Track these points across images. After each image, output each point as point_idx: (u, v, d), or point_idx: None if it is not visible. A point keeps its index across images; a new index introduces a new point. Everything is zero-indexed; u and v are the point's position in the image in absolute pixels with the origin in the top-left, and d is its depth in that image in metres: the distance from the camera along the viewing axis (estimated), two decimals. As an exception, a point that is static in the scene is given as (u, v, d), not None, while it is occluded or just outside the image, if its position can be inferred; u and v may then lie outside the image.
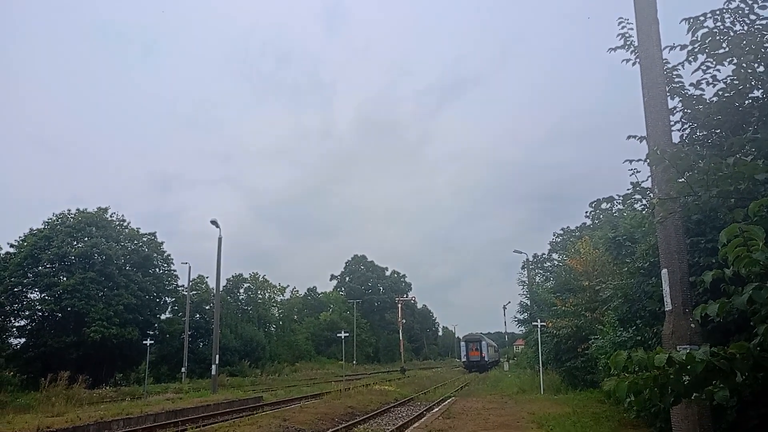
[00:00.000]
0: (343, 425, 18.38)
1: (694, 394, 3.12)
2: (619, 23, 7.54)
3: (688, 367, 2.93)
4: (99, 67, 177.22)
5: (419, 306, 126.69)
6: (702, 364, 2.89)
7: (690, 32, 6.20)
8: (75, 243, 44.95)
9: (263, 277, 73.69)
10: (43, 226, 45.42)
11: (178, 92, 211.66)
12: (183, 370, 41.65)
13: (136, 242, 49.68)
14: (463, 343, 66.72)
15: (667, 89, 6.86)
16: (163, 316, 52.81)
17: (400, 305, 76.79)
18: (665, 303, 6.52)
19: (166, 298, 52.88)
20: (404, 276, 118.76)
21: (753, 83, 5.89)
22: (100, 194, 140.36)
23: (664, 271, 6.51)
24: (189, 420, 19.94)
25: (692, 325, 6.17)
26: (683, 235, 6.54)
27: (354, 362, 67.83)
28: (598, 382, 17.38)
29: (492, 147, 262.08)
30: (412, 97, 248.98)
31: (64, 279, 42.84)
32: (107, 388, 36.31)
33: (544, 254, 49.91)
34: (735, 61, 5.96)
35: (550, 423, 14.33)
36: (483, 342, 63.95)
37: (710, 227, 7.12)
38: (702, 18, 6.18)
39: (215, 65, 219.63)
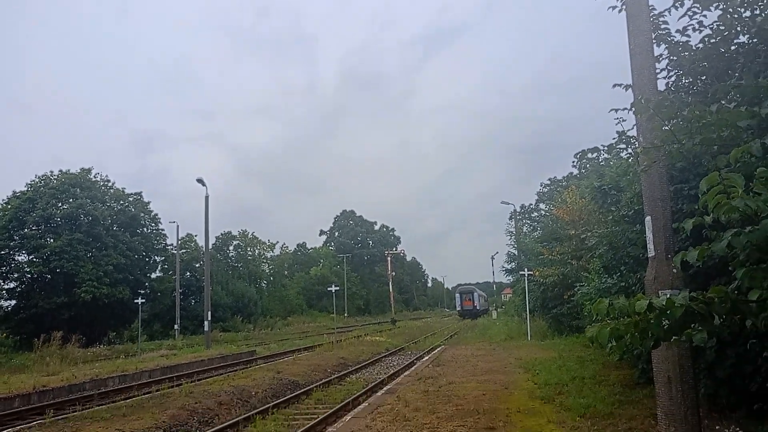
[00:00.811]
0: (335, 375, 18.84)
1: (674, 338, 3.22)
2: (606, -32, 7.36)
3: (668, 312, 3.02)
4: (73, 22, 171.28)
5: (408, 259, 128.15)
6: (681, 309, 2.97)
7: (677, -24, 6.10)
8: (60, 204, 44.53)
9: (252, 234, 73.92)
10: (26, 188, 44.84)
11: (156, 48, 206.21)
12: (176, 327, 42.12)
13: (122, 202, 49.31)
14: (457, 295, 73.49)
15: (654, 36, 6.78)
16: (153, 275, 53.01)
17: (389, 258, 77.71)
18: (648, 249, 6.63)
19: (156, 258, 52.97)
20: (393, 230, 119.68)
21: (739, 29, 5.83)
22: (82, 154, 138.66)
23: (648, 218, 6.60)
24: (184, 375, 20.31)
25: (674, 271, 6.30)
26: (667, 182, 6.61)
27: (345, 315, 68.98)
28: (583, 327, 17.84)
29: (478, 98, 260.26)
30: (396, 49, 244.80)
31: (51, 241, 42.61)
32: (101, 346, 36.74)
33: (531, 205, 50.33)
34: (721, 6, 5.88)
35: (536, 367, 14.78)
36: (475, 293, 70.38)
37: (694, 174, 7.19)
38: (689, -39, 6.07)
39: (193, 19, 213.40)
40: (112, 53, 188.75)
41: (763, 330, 5.35)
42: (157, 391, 15.58)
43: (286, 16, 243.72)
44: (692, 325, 3.21)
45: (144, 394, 15.65)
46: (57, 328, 32.90)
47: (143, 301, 41.37)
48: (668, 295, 3.15)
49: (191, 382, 17.23)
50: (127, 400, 14.40)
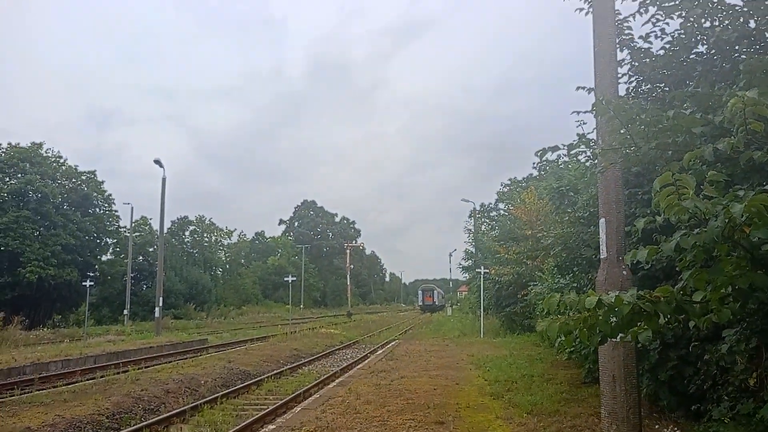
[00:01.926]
0: (288, 366, 18.68)
1: (620, 335, 3.27)
2: (574, -30, 7.45)
3: (616, 309, 3.06)
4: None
5: (368, 252, 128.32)
6: (628, 306, 3.01)
7: (642, -17, 6.21)
8: (7, 179, 42.71)
9: (210, 220, 72.70)
10: (-31, 161, 42.84)
11: (115, 20, 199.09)
12: (125, 312, 40.96)
13: (74, 180, 47.64)
14: (420, 291, 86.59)
15: (617, 41, 6.89)
16: (104, 258, 51.46)
17: (348, 251, 77.56)
18: (601, 251, 6.76)
19: (108, 239, 51.44)
20: (354, 222, 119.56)
21: (698, 38, 5.99)
22: (33, 128, 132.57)
23: (602, 220, 6.72)
24: (131, 362, 19.73)
25: (624, 273, 6.44)
26: (622, 186, 6.74)
27: (301, 306, 68.51)
28: (535, 326, 18.21)
29: (444, 94, 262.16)
30: (365, 38, 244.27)
31: (-4, 217, 40.86)
32: (45, 330, 35.35)
33: (491, 204, 50.95)
34: (683, 14, 6.02)
35: (487, 364, 14.98)
36: (435, 291, 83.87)
37: (648, 179, 7.35)
38: (655, -31, 6.19)
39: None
40: (67, 22, 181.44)
41: (705, 331, 5.52)
42: (101, 377, 15.11)
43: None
44: (638, 324, 3.26)
45: (88, 379, 15.15)
46: (-2, 308, 31.60)
47: (92, 284, 39.96)
48: (617, 294, 3.20)
49: (138, 369, 16.76)
50: (70, 386, 13.91)
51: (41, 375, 16.68)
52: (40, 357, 19.22)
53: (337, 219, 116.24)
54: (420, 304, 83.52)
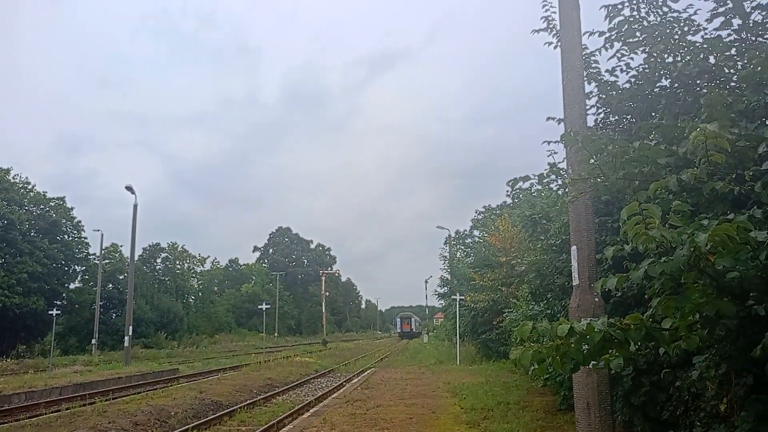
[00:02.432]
0: (261, 396, 18.30)
1: (592, 362, 3.31)
2: (543, 6, 7.71)
3: (588, 336, 3.11)
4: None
5: (343, 279, 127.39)
6: (600, 334, 3.06)
7: (608, 19, 6.45)
8: (-28, 205, 41.54)
9: (182, 248, 71.53)
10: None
11: (88, 46, 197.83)
12: (93, 341, 39.78)
13: (42, 207, 46.56)
14: (398, 319, 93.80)
15: (585, 74, 7.12)
16: (72, 286, 50.15)
17: (323, 278, 76.89)
18: (573, 278, 6.86)
19: (76, 267, 50.13)
20: (329, 249, 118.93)
21: (662, 72, 6.22)
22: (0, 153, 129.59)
23: (574, 248, 6.84)
24: (98, 393, 19.14)
25: (596, 300, 6.54)
26: (592, 214, 6.89)
27: (276, 334, 67.50)
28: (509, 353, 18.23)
29: (419, 123, 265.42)
30: (340, 68, 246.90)
31: (-41, 244, 39.62)
32: (8, 360, 34.08)
33: (466, 231, 51.35)
34: (647, 50, 6.26)
35: (463, 392, 14.91)
36: (413, 318, 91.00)
37: (617, 208, 7.51)
38: (620, 6, 6.44)
39: (129, 20, 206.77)
40: (38, 46, 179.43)
41: (676, 358, 5.61)
42: (66, 409, 14.57)
43: (229, 25, 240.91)
44: (610, 351, 3.31)
45: (52, 412, 14.63)
46: (-42, 338, 30.45)
47: (59, 312, 38.88)
48: (589, 321, 3.25)
49: (106, 400, 16.25)
50: (33, 419, 13.37)
51: (2, 408, 16.05)
52: (2, 389, 18.49)
53: (313, 246, 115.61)
54: (399, 331, 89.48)
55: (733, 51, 5.74)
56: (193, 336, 59.74)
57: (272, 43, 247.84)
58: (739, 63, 5.59)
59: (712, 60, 5.76)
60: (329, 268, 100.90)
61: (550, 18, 7.69)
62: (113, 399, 16.97)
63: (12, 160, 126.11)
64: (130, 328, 30.54)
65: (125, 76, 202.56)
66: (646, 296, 3.66)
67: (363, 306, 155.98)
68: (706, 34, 6.08)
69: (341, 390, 18.08)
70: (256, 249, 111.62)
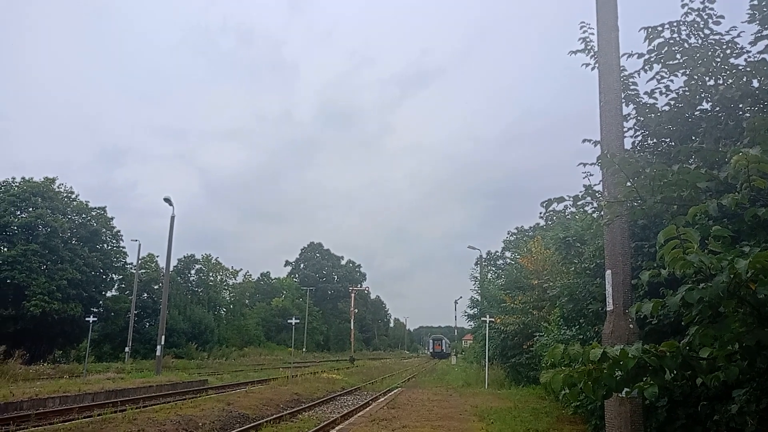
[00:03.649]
0: (287, 411, 18.31)
1: (625, 389, 3.22)
2: (581, 27, 7.67)
3: (621, 362, 3.02)
4: (41, 26, 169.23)
5: (372, 296, 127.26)
6: (633, 360, 2.98)
7: (647, 41, 6.37)
8: (18, 213, 43.07)
9: (216, 260, 72.56)
10: (-17, 194, 43.35)
11: (129, 60, 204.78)
12: (126, 349, 40.53)
13: (84, 216, 47.95)
14: (430, 340, 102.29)
15: (623, 96, 7.03)
16: (109, 294, 51.30)
17: (353, 295, 77.08)
18: (607, 303, 6.71)
19: (113, 275, 51.32)
20: (359, 266, 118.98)
21: (702, 95, 6.11)
22: (44, 163, 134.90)
23: (608, 272, 6.70)
24: (129, 400, 19.46)
25: (631, 326, 6.37)
26: (628, 238, 6.75)
27: (304, 350, 67.61)
28: (540, 378, 17.86)
29: (450, 141, 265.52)
30: (374, 86, 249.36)
31: (5, 249, 41.01)
32: (45, 364, 35.04)
33: (497, 252, 50.71)
34: (687, 72, 6.16)
35: (491, 416, 14.62)
36: (443, 339, 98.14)
37: (654, 232, 7.35)
38: (660, 28, 6.36)
39: (171, 37, 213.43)
40: (81, 61, 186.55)
41: (714, 390, 5.41)
42: (98, 415, 14.84)
43: (267, 42, 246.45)
44: (644, 379, 3.21)
45: (84, 417, 14.89)
46: (0, 341, 31.37)
47: (95, 319, 39.71)
48: (623, 347, 3.17)
49: (136, 408, 16.50)
50: (66, 423, 13.70)
51: (38, 411, 16.45)
52: (39, 392, 18.98)
53: (343, 262, 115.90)
54: (430, 351, 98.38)
55: (777, 74, 5.60)
56: (223, 348, 60.29)
57: (308, 61, 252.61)
58: (785, 87, 5.46)
59: (755, 83, 5.63)
60: (359, 285, 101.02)
61: (587, 39, 7.64)
62: (143, 407, 17.23)
63: (57, 170, 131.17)
64: (163, 337, 31.08)
65: (164, 90, 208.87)
66: (683, 324, 3.55)
67: (391, 324, 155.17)
68: (749, 57, 5.95)
69: (367, 408, 17.96)
70: (287, 263, 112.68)
